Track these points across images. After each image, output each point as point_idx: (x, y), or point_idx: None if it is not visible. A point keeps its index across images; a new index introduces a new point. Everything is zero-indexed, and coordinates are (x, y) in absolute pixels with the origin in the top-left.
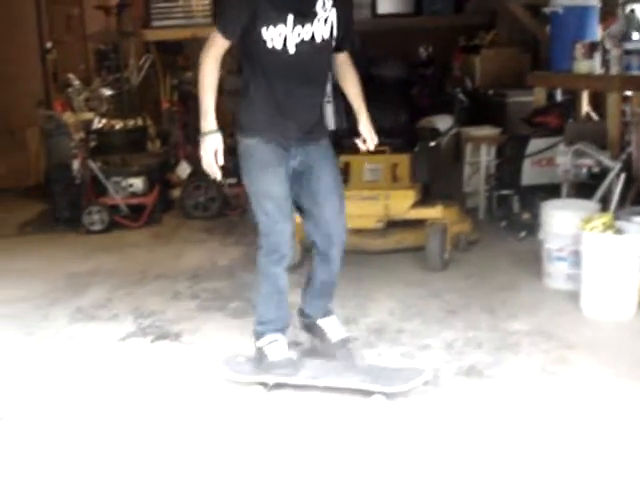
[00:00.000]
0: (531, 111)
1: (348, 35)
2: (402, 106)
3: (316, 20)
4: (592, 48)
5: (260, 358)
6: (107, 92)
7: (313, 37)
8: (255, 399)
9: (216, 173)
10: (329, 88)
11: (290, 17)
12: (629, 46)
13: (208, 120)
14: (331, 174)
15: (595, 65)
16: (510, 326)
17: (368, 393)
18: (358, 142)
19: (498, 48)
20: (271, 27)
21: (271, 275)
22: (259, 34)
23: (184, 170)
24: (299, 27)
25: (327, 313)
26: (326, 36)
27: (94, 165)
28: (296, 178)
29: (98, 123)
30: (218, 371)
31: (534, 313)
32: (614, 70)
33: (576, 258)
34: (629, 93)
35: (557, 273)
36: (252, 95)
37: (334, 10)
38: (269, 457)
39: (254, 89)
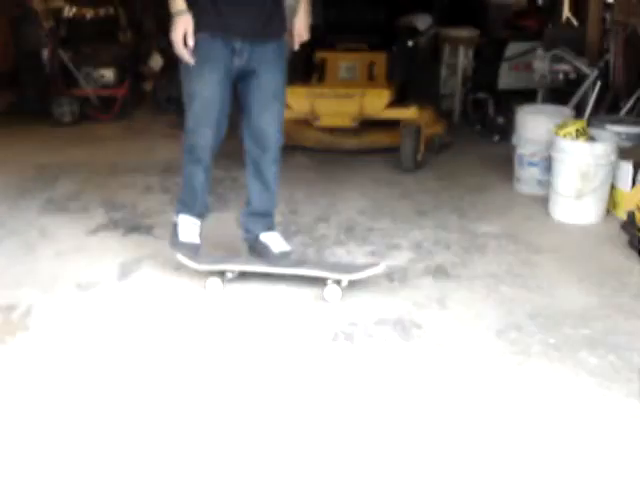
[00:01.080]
0: (511, 13)
1: None
2: (381, 3)
3: None
4: None
5: (173, 233)
6: None
7: None
8: (213, 286)
9: (186, 56)
10: None
11: None
12: None
13: (176, 0)
14: (273, 81)
15: None
16: (479, 228)
17: (323, 283)
18: (286, 36)
19: None
20: None
21: (187, 171)
22: None
23: (156, 62)
24: None
25: (269, 228)
26: None
27: (64, 55)
28: (239, 78)
29: (68, 11)
30: (176, 258)
31: (503, 216)
32: None
33: (548, 164)
34: (610, 0)
35: (528, 178)
36: None
37: None
38: (222, 347)
39: None
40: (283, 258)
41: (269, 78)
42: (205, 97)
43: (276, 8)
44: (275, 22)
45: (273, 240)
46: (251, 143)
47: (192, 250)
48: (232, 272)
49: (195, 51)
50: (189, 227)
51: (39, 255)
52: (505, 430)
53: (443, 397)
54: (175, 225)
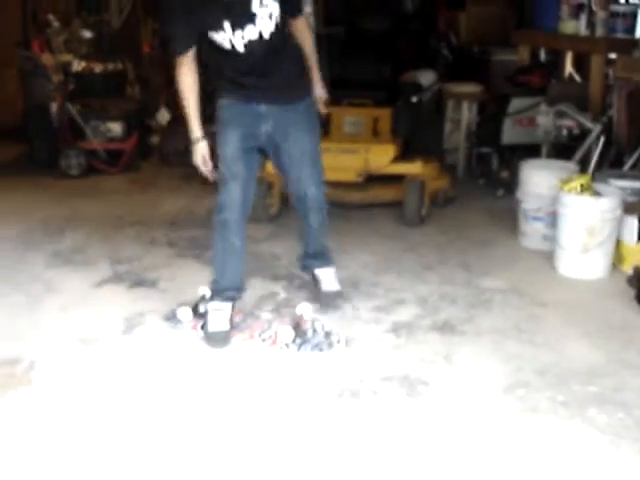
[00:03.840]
0: (514, 70)
1: (295, 5)
2: (385, 59)
3: (259, 19)
4: (578, 8)
5: (204, 322)
6: (87, 34)
7: (261, 35)
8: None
9: (209, 175)
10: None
11: (226, 24)
12: (615, 8)
13: (192, 128)
14: (302, 142)
15: (580, 26)
16: (484, 283)
17: None
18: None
19: (484, 4)
20: (214, 33)
21: (218, 235)
22: (209, 36)
23: (163, 116)
24: (239, 31)
25: (325, 264)
26: (273, 29)
27: (72, 108)
28: (270, 142)
29: (77, 66)
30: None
31: (508, 271)
32: (599, 32)
33: (552, 219)
34: (613, 56)
35: (533, 233)
36: (214, 66)
37: (276, 3)
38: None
39: (215, 65)
40: (333, 298)
41: (298, 140)
42: (227, 155)
43: (297, 72)
44: (297, 86)
45: (326, 277)
46: (295, 198)
47: (221, 340)
48: None
49: (219, 117)
50: (217, 314)
51: (44, 308)
52: None
53: (450, 455)
54: (206, 313)
